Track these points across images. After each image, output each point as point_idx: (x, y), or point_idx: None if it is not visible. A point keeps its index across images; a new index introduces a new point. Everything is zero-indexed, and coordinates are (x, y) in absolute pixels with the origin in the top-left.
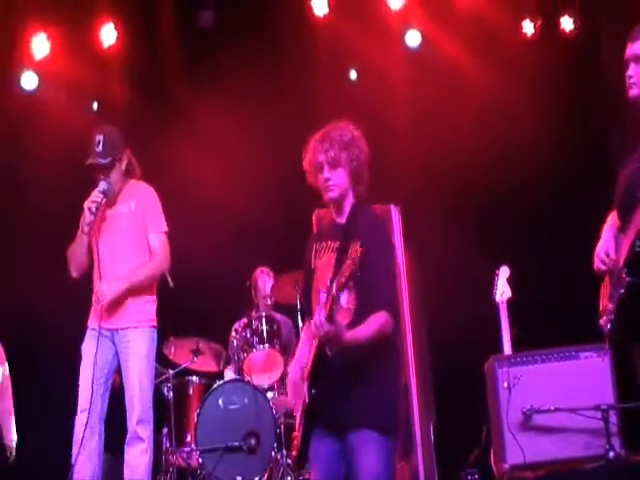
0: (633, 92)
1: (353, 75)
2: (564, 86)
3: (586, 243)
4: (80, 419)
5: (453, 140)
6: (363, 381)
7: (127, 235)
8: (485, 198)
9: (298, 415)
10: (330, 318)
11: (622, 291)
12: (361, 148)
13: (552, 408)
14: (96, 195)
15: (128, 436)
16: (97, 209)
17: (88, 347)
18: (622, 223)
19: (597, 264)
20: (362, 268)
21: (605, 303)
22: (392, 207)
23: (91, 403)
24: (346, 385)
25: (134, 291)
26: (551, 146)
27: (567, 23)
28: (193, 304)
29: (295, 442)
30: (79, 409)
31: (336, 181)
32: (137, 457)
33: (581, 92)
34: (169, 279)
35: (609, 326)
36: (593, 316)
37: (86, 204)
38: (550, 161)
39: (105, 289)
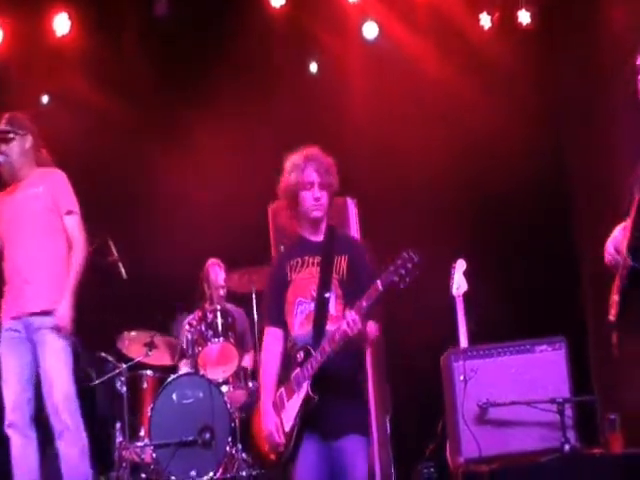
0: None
1: (313, 68)
2: (522, 78)
3: (543, 237)
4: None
5: (412, 132)
6: (352, 388)
7: (33, 217)
8: (442, 191)
9: (288, 419)
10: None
11: (625, 273)
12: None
13: (508, 401)
14: None
15: (57, 430)
16: None
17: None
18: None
19: (607, 258)
20: (350, 280)
21: (613, 297)
22: (348, 199)
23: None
24: (339, 392)
25: (48, 278)
26: (509, 138)
27: (524, 17)
28: (147, 297)
29: (280, 442)
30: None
31: (323, 202)
32: (69, 448)
33: (538, 86)
34: (122, 271)
35: (613, 318)
36: (549, 310)
37: None
38: (508, 153)
39: (63, 316)
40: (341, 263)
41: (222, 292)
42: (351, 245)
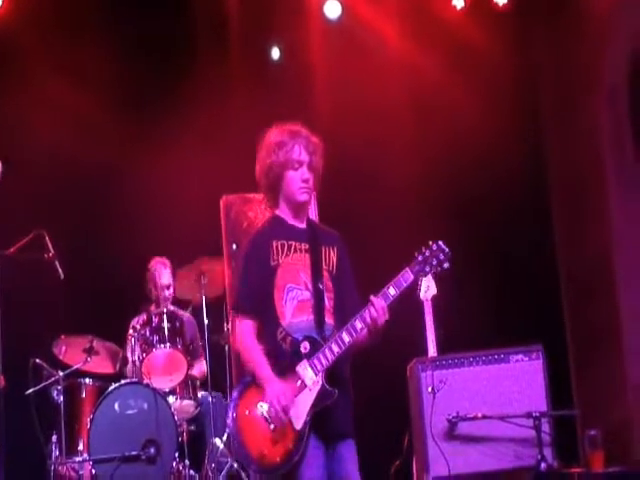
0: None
1: (275, 54)
2: (497, 62)
3: (518, 239)
4: None
5: (378, 119)
6: (347, 390)
7: None
8: (410, 183)
9: (298, 416)
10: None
11: None
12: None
13: (480, 415)
14: None
15: None
16: None
17: None
18: None
19: None
20: (338, 274)
21: None
22: None
23: None
24: (343, 390)
25: None
26: (484, 128)
27: None
28: (86, 299)
29: (285, 420)
30: None
31: (311, 185)
32: None
33: (514, 70)
34: (59, 270)
35: None
36: (526, 314)
37: None
38: (482, 144)
39: None
40: (330, 255)
41: (168, 293)
42: (336, 239)
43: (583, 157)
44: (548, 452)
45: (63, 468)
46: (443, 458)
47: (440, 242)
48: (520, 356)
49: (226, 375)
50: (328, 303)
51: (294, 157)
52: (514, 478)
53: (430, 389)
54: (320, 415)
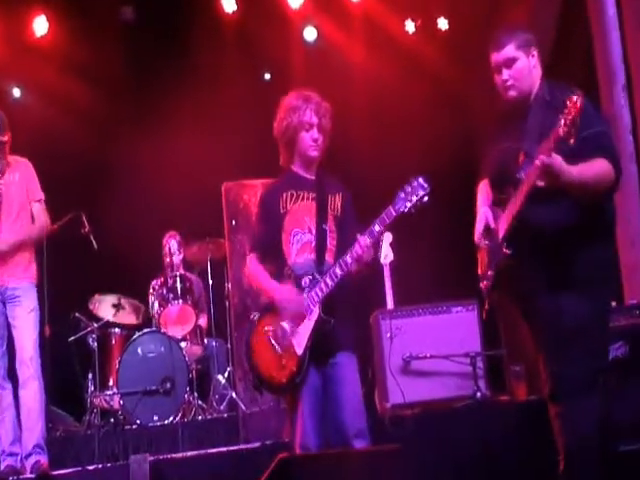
0: (511, 93)
1: (267, 75)
2: (443, 76)
3: (464, 206)
4: None
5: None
6: (347, 317)
7: (12, 203)
8: (367, 169)
9: (299, 343)
10: None
11: (501, 259)
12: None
13: (428, 355)
14: None
15: (22, 379)
16: None
17: None
18: (497, 195)
19: (478, 238)
20: (342, 218)
21: (484, 270)
22: None
23: None
24: (340, 315)
25: (19, 249)
26: (431, 123)
27: (443, 23)
28: (115, 265)
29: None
30: None
31: (321, 143)
32: (35, 396)
33: (457, 83)
34: (94, 242)
35: (488, 289)
36: (463, 275)
37: None
38: (428, 133)
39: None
40: (335, 201)
41: (178, 259)
42: (342, 187)
43: None
44: (482, 384)
45: (97, 399)
46: (399, 389)
47: (420, 178)
48: (460, 308)
49: (226, 325)
50: (330, 243)
51: (305, 119)
52: (456, 404)
53: (389, 334)
54: (319, 339)
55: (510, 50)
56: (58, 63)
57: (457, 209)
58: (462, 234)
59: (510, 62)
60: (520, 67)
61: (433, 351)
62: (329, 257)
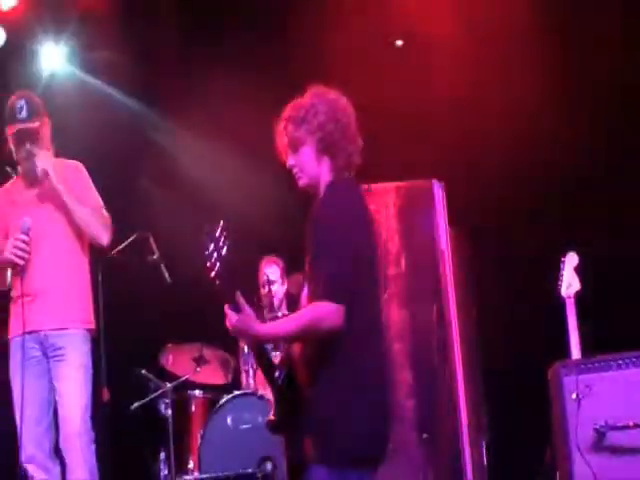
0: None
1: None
2: None
3: None
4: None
5: None
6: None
7: (57, 211)
8: (543, 175)
9: None
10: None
11: None
12: (327, 114)
13: (631, 424)
14: (21, 239)
15: (69, 461)
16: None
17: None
18: None
19: None
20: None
21: None
22: (434, 182)
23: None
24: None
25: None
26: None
27: None
28: (195, 305)
29: None
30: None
31: (301, 166)
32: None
33: None
34: (165, 274)
35: None
36: None
37: (11, 250)
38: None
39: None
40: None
41: (280, 293)
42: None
43: None
44: None
45: None
46: (590, 472)
47: (207, 227)
48: None
49: None
50: (304, 296)
51: (278, 147)
52: None
53: (574, 395)
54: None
55: None
56: None
57: None
58: None
59: None
60: None
61: (638, 418)
62: None
